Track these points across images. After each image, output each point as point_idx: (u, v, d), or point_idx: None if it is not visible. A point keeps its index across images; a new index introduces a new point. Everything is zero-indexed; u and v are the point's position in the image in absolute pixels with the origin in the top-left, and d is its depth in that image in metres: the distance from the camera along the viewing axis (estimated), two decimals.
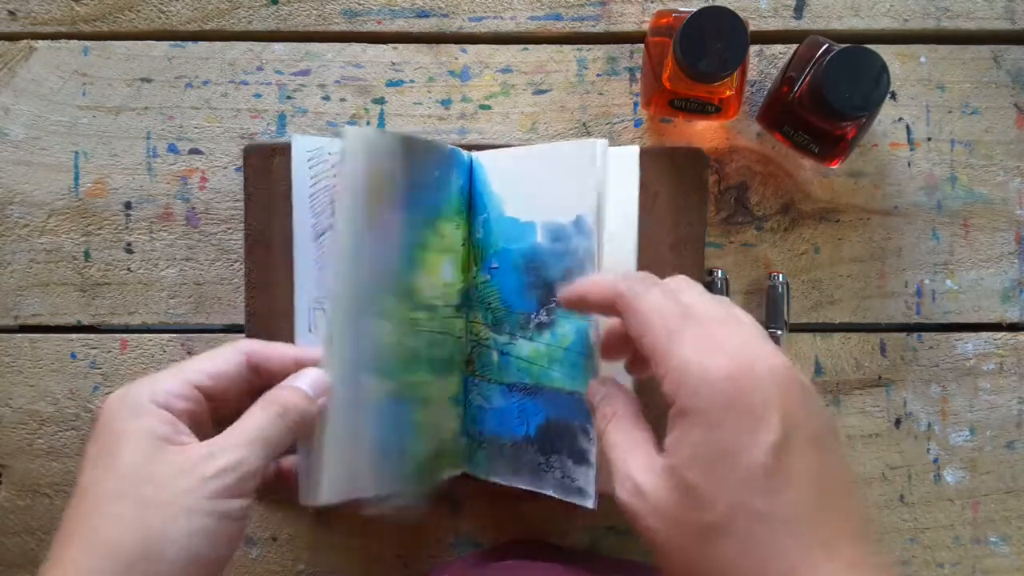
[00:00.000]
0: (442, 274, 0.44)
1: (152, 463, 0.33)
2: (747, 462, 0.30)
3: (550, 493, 0.43)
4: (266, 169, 0.47)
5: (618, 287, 0.34)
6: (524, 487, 0.44)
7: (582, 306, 0.37)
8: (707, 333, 0.32)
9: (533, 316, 0.43)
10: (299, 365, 0.38)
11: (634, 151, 0.44)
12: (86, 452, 0.34)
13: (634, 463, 0.33)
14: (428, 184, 0.42)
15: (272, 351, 0.38)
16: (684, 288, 0.35)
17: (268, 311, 0.47)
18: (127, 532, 0.31)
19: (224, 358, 0.37)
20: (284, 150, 0.46)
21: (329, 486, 0.37)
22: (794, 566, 0.29)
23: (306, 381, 0.37)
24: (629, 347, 0.38)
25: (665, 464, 0.32)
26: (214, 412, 0.37)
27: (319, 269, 0.43)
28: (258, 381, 0.38)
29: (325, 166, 0.42)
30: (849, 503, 0.31)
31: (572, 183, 0.40)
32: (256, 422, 0.35)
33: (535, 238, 0.42)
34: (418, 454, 0.43)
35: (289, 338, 0.45)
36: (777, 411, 0.30)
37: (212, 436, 0.34)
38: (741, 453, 0.30)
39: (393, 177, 0.40)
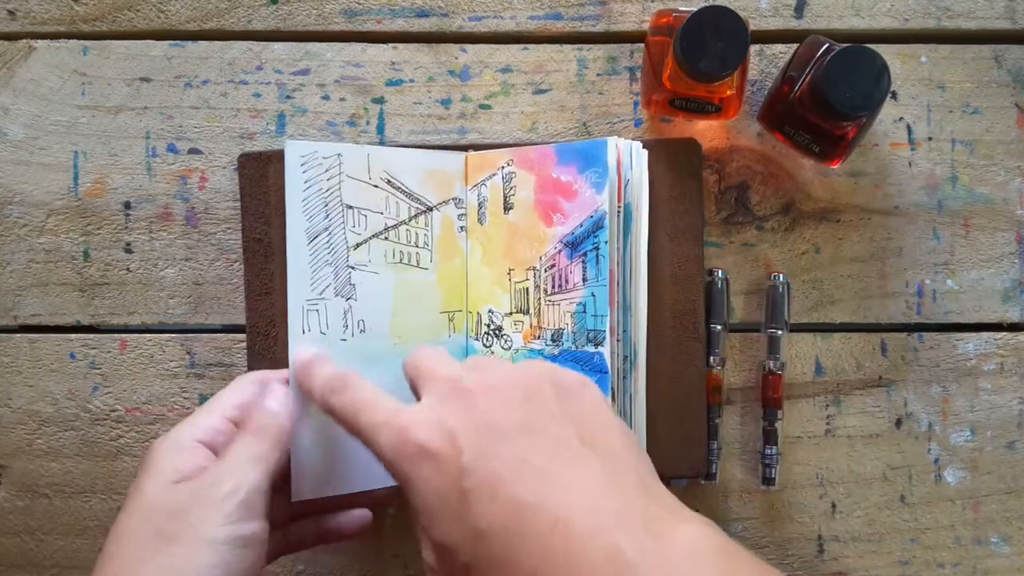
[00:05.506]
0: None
1: (169, 495, 0.35)
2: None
3: None
4: (261, 177, 0.47)
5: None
6: None
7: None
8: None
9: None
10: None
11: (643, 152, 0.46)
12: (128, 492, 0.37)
13: None
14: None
15: (277, 375, 0.42)
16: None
17: (269, 318, 0.47)
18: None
19: (244, 389, 0.40)
20: (280, 157, 0.46)
21: (308, 484, 0.41)
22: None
23: (273, 400, 0.39)
24: None
25: None
26: None
27: (312, 271, 0.42)
28: None
29: (319, 170, 0.42)
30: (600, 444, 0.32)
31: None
32: (242, 446, 0.37)
33: None
34: None
35: (287, 341, 0.44)
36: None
37: None
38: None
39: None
